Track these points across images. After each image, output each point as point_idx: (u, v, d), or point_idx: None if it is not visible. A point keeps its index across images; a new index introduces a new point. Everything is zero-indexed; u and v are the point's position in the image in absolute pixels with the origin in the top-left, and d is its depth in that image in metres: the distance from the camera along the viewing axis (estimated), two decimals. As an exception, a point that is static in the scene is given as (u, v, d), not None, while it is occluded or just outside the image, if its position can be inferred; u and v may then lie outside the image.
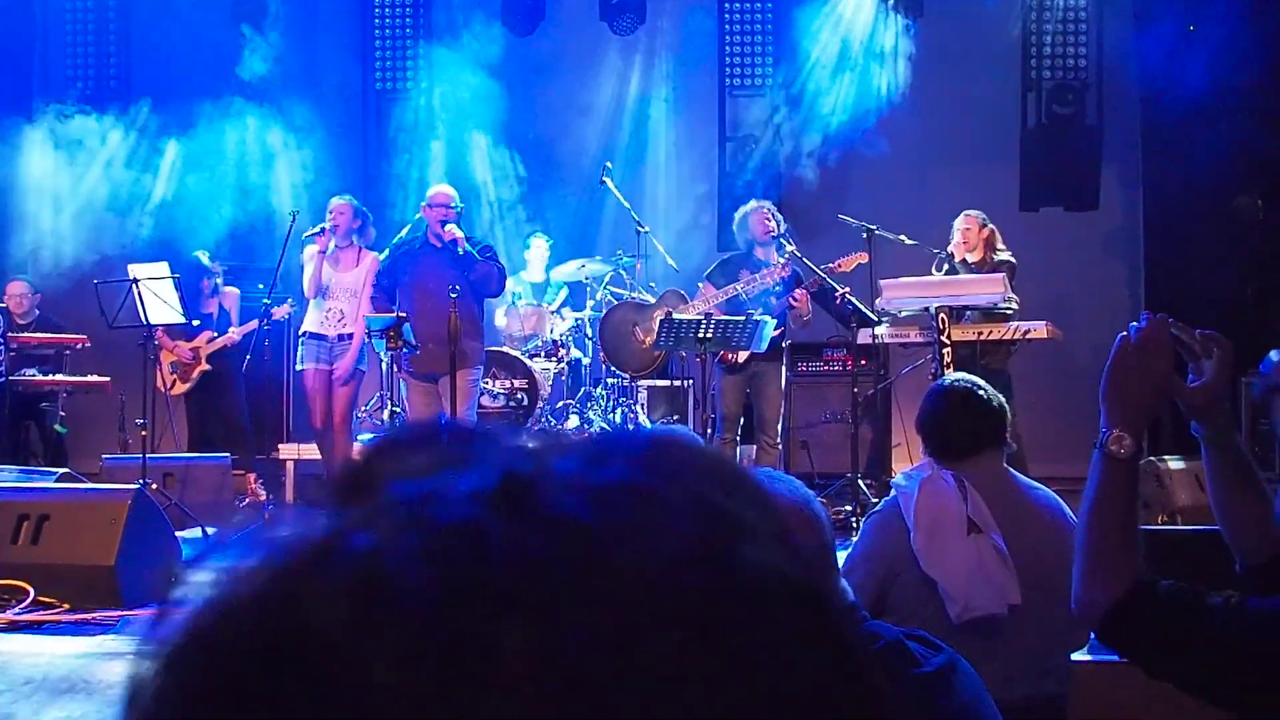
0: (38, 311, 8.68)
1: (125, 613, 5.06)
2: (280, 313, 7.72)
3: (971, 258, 7.51)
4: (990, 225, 7.60)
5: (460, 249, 7.03)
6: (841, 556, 3.19)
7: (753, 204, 7.59)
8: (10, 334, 7.81)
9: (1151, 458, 6.38)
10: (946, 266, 7.49)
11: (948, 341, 6.62)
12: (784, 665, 0.40)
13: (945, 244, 7.60)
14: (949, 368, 6.46)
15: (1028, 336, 6.98)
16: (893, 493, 3.03)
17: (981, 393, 3.04)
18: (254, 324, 7.97)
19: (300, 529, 0.42)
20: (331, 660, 0.38)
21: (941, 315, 6.68)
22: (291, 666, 0.38)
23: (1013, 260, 7.47)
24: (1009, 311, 7.04)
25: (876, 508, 3.21)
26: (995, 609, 2.77)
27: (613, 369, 8.66)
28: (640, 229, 8.94)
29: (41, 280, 8.94)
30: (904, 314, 7.00)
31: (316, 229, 7.31)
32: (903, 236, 7.58)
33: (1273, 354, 2.01)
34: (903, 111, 9.79)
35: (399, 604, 0.38)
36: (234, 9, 10.21)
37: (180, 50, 10.03)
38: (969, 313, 7.15)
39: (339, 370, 7.48)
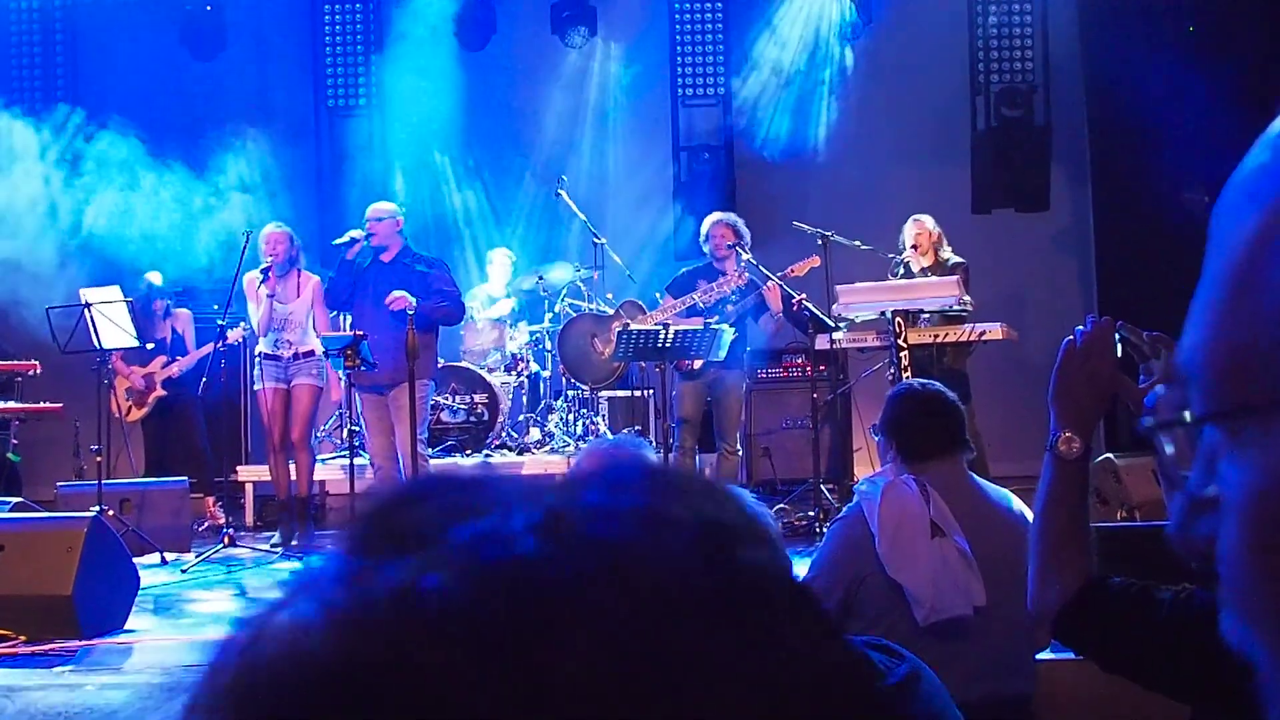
0: (-13, 340, 8.55)
1: (84, 643, 4.99)
2: (234, 336, 7.65)
3: (925, 261, 7.59)
4: (938, 228, 7.68)
5: (415, 268, 7.05)
6: (806, 563, 3.21)
7: (714, 215, 7.63)
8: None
9: (1109, 454, 6.47)
10: (902, 270, 7.56)
11: (905, 345, 6.67)
12: (783, 643, 0.47)
13: (899, 248, 7.67)
14: (907, 371, 6.51)
15: (984, 338, 7.04)
16: (856, 498, 3.05)
17: (946, 397, 3.07)
18: (209, 348, 7.90)
19: (365, 582, 0.46)
20: (439, 703, 0.43)
21: (898, 319, 6.73)
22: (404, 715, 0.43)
23: (964, 261, 7.55)
24: (965, 313, 7.11)
25: (840, 514, 3.23)
26: (961, 611, 2.79)
27: (573, 381, 8.66)
28: (596, 240, 8.95)
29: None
30: (860, 319, 7.05)
31: (261, 270, 7.25)
32: (857, 242, 7.64)
33: (1159, 387, 1.90)
34: (854, 117, 9.88)
35: (487, 636, 0.43)
36: (183, 28, 10.13)
37: (129, 69, 9.94)
38: (926, 315, 7.21)
39: (297, 388, 7.42)
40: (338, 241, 7.19)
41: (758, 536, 0.51)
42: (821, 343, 7.26)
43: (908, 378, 6.49)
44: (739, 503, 0.53)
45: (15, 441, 8.59)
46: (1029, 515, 2.20)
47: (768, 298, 7.21)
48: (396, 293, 6.83)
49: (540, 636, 0.43)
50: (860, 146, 9.87)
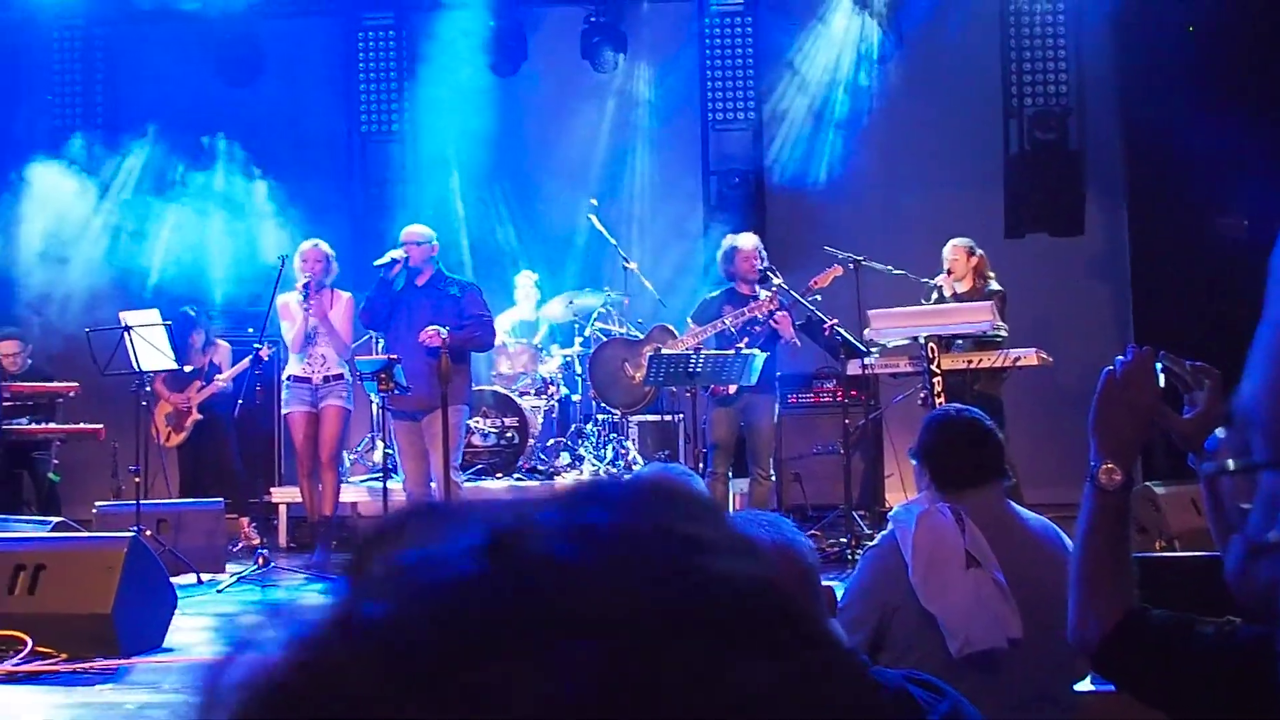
0: (30, 362, 8.67)
1: (123, 661, 5.04)
2: (265, 353, 7.73)
3: (961, 287, 7.56)
4: (979, 253, 7.64)
5: (449, 290, 7.11)
6: (839, 590, 3.20)
7: (736, 238, 7.62)
8: (2, 384, 7.78)
9: (1148, 483, 6.41)
10: (936, 295, 7.53)
11: (938, 371, 6.65)
12: (754, 654, 0.46)
13: (932, 272, 7.65)
14: (940, 396, 6.49)
15: (1018, 364, 7.02)
16: (890, 526, 3.03)
17: (984, 424, 3.04)
18: (245, 363, 7.98)
19: (322, 612, 0.47)
20: None
21: (931, 344, 6.72)
22: None
23: (1002, 290, 7.50)
24: (999, 339, 7.08)
25: (873, 542, 3.22)
26: (996, 643, 2.76)
27: (603, 405, 8.68)
28: (626, 265, 8.98)
29: (33, 330, 8.92)
30: (893, 344, 7.03)
31: (301, 285, 7.34)
32: (889, 266, 7.63)
33: (1219, 430, 1.96)
34: (885, 141, 9.87)
35: (417, 661, 0.43)
36: (219, 55, 10.26)
37: (166, 95, 10.08)
38: (959, 341, 7.18)
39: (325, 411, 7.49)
40: (379, 262, 7.23)
41: (738, 550, 0.49)
42: (853, 368, 7.25)
43: (940, 403, 6.48)
44: (713, 512, 0.52)
45: (56, 462, 8.71)
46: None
47: (778, 328, 7.19)
48: (430, 329, 6.89)
49: (471, 659, 0.43)
50: (891, 170, 9.86)
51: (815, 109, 10.05)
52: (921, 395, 6.79)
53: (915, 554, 2.84)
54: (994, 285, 7.54)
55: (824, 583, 1.95)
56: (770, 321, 7.16)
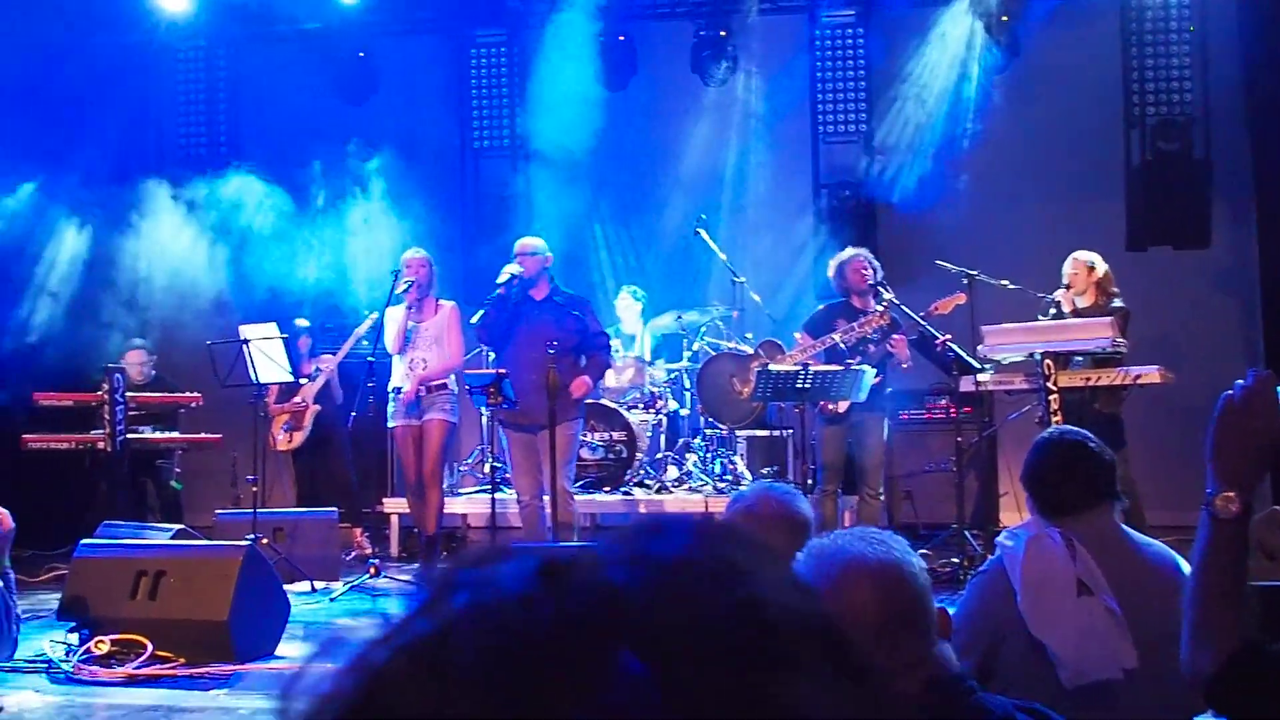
0: (154, 373, 8.99)
1: (238, 667, 5.17)
2: (363, 327, 7.86)
3: (1082, 302, 7.31)
4: (1102, 268, 7.38)
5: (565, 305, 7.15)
6: (953, 612, 3.11)
7: (848, 251, 7.51)
8: (128, 393, 8.07)
9: (1277, 507, 6.12)
10: (1054, 311, 7.31)
11: (1054, 388, 6.47)
12: (798, 682, 0.47)
13: (1050, 288, 7.44)
14: (1056, 415, 6.32)
15: (1139, 381, 6.79)
16: (998, 552, 2.95)
17: (1090, 445, 2.94)
18: (349, 343, 8.17)
19: (393, 631, 0.51)
20: None
21: (1047, 361, 6.54)
22: None
23: (1126, 307, 7.24)
24: (1119, 356, 6.86)
25: (981, 567, 3.13)
26: (1109, 673, 2.67)
27: (711, 420, 8.65)
28: (736, 279, 8.95)
29: (157, 342, 9.25)
30: (1008, 360, 6.86)
31: (403, 287, 7.44)
32: (1005, 281, 7.44)
33: None
34: (1000, 152, 9.65)
35: (463, 677, 0.46)
36: (335, 75, 10.54)
37: (284, 115, 10.37)
38: (1079, 358, 6.97)
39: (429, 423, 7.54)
40: (500, 280, 7.16)
41: (792, 588, 0.51)
42: (966, 384, 7.10)
43: (1057, 422, 6.30)
44: (766, 549, 0.53)
45: (178, 470, 9.01)
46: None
47: (894, 350, 7.05)
48: (581, 382, 6.97)
49: (514, 674, 0.45)
50: (1006, 182, 9.65)
51: (928, 120, 9.87)
52: (1038, 414, 6.61)
53: (1024, 580, 2.75)
54: (1118, 302, 7.28)
55: (937, 605, 1.89)
56: (887, 344, 7.03)
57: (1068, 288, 7.37)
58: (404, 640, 0.49)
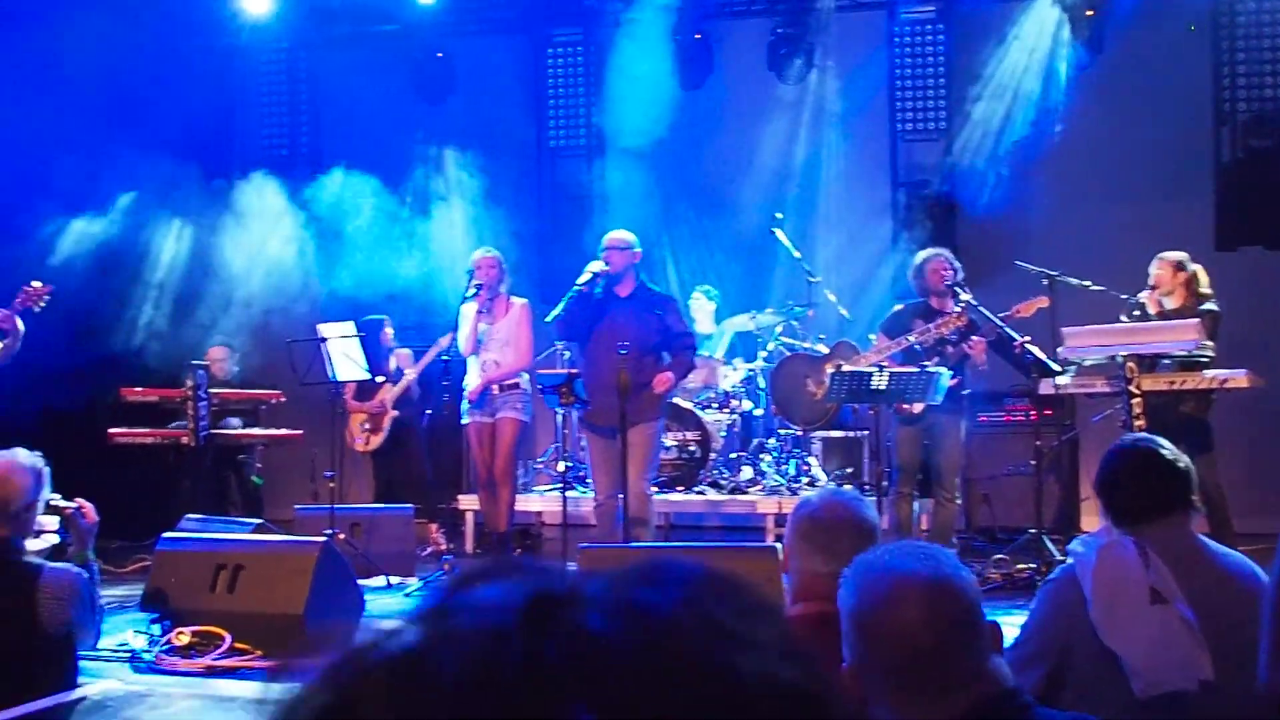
0: (237, 369, 9.18)
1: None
2: (444, 341, 7.94)
3: (1169, 303, 7.09)
4: (1190, 268, 7.14)
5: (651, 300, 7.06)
6: (1018, 620, 3.06)
7: (928, 251, 7.39)
8: (211, 390, 8.26)
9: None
10: (1138, 312, 7.12)
11: (1138, 391, 6.31)
12: None
13: (1134, 288, 7.25)
14: (1139, 419, 6.17)
15: (1226, 385, 6.60)
16: (1069, 559, 2.89)
17: (1164, 453, 2.87)
18: (431, 354, 8.25)
19: (381, 639, 0.51)
20: None
21: (1130, 364, 6.38)
22: None
23: (1216, 310, 7.01)
24: (1206, 359, 6.67)
25: (1051, 575, 3.07)
26: (1184, 684, 2.60)
27: (785, 421, 8.59)
28: (811, 279, 8.88)
29: (240, 340, 9.44)
30: (1089, 363, 6.71)
31: (471, 290, 7.48)
32: (1088, 282, 7.27)
33: None
34: (1083, 149, 9.44)
35: (429, 700, 0.46)
36: (413, 74, 10.66)
37: (364, 116, 10.53)
38: (1166, 360, 6.79)
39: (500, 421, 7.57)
40: (582, 280, 6.97)
41: (783, 654, 0.49)
42: (1046, 387, 6.96)
43: (1139, 426, 6.16)
44: (768, 610, 0.52)
45: (259, 465, 9.20)
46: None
47: (972, 353, 6.92)
48: (664, 377, 6.83)
49: (474, 707, 0.45)
50: (1089, 181, 9.44)
51: (1009, 117, 9.70)
52: (1122, 418, 6.46)
53: (1095, 589, 2.70)
54: (1209, 304, 7.01)
55: (992, 618, 1.86)
56: (965, 346, 6.91)
57: (1153, 289, 7.17)
58: (382, 655, 0.49)
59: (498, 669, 0.46)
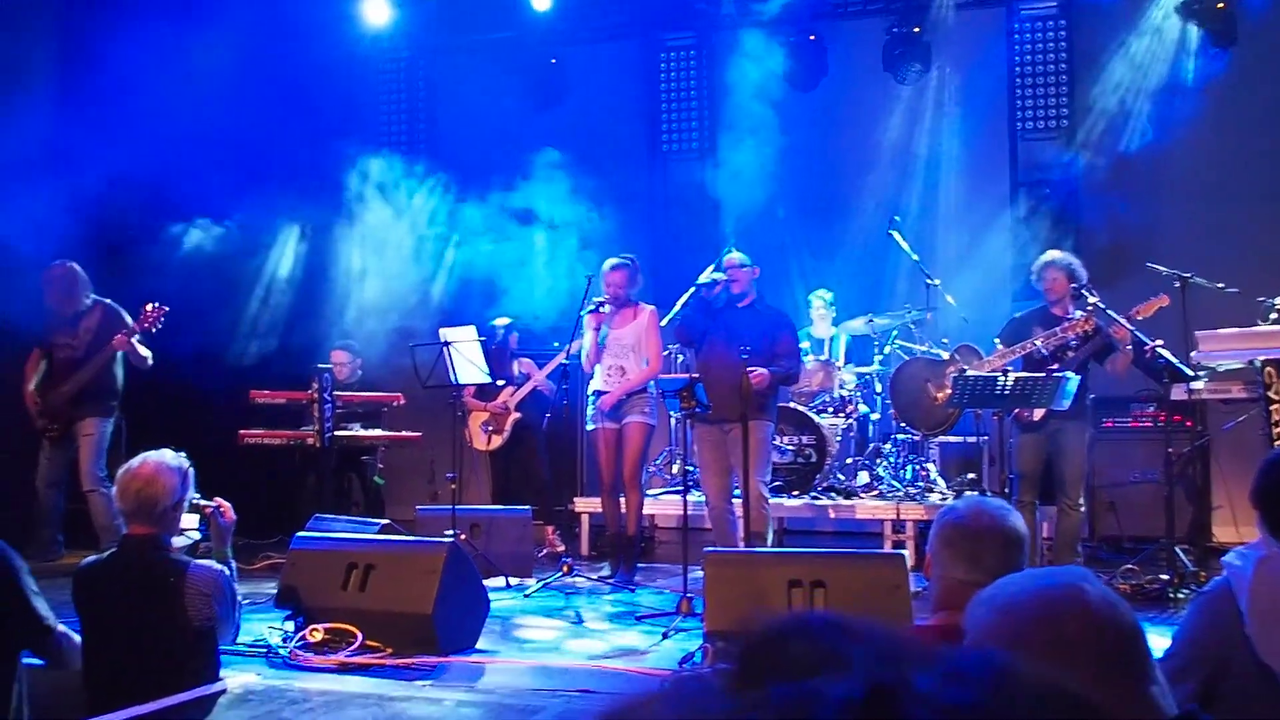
0: (360, 373, 9.39)
1: (441, 659, 5.35)
2: (571, 349, 8.00)
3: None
4: None
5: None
6: (1156, 630, 2.98)
7: (1050, 255, 7.24)
8: (335, 392, 8.47)
9: None
10: (1274, 315, 6.88)
11: (1277, 398, 6.10)
12: None
13: (1271, 291, 6.99)
14: (1279, 425, 5.96)
15: (1371, 391, 6.33)
16: (1224, 571, 2.80)
17: (1324, 465, 2.77)
18: (558, 359, 8.31)
19: (701, 706, 0.50)
20: None
21: (1269, 369, 6.17)
22: None
23: None
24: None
25: (1204, 587, 2.99)
26: (1346, 704, 2.51)
27: (903, 425, 8.49)
28: (930, 282, 8.76)
29: (362, 343, 9.65)
30: (1224, 368, 6.50)
31: (593, 305, 7.52)
32: (1221, 284, 7.04)
33: None
34: (1212, 148, 9.13)
35: None
36: (525, 80, 10.79)
37: (480, 122, 10.69)
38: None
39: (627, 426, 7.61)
40: (701, 280, 7.27)
41: None
42: (1177, 393, 6.76)
43: (1279, 433, 5.95)
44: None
45: (381, 466, 9.39)
46: None
47: (1115, 337, 6.73)
48: (758, 373, 6.85)
49: None
50: (1220, 179, 9.12)
51: (1134, 115, 9.43)
52: (1261, 427, 6.24)
53: (1252, 603, 2.61)
54: None
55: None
56: (1107, 364, 6.74)
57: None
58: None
59: None
